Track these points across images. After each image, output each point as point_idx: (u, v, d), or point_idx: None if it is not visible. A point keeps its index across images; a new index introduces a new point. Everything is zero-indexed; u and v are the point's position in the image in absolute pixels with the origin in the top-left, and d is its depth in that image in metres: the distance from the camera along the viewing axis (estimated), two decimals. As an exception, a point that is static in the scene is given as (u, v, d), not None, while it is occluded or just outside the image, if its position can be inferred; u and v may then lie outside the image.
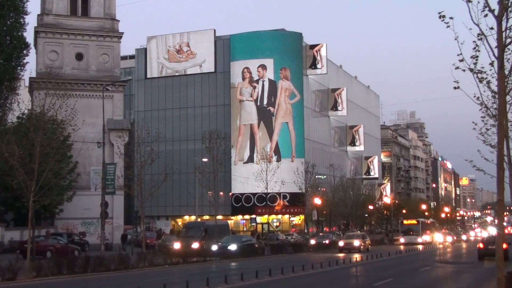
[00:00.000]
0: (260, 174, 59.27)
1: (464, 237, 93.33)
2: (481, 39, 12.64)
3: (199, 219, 67.19)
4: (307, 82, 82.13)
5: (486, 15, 12.46)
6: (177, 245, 39.63)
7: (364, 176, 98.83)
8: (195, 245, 39.88)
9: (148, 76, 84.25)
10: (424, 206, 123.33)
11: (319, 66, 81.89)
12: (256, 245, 44.58)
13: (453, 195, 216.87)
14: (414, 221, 73.29)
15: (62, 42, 57.05)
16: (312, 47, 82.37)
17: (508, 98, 13.20)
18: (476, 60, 12.77)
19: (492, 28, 12.59)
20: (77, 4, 58.39)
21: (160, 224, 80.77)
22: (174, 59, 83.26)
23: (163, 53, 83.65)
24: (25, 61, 50.32)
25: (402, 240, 68.36)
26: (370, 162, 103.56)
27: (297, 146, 77.61)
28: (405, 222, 73.77)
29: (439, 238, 78.60)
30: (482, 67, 12.89)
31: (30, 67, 75.55)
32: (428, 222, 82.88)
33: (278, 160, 74.06)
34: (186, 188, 73.49)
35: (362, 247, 48.43)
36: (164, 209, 79.86)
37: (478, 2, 12.39)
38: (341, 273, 28.04)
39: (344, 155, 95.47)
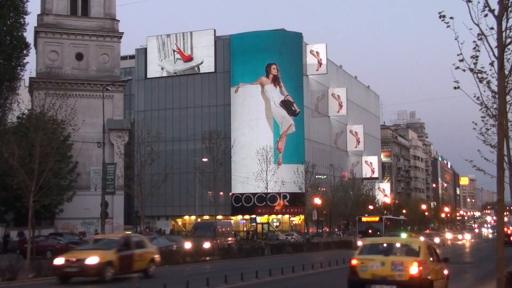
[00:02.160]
0: (260, 174, 59.31)
1: (437, 239, 66.18)
2: (481, 39, 12.63)
3: (199, 219, 67.18)
4: (307, 82, 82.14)
5: (486, 15, 12.46)
6: (188, 245, 39.76)
7: (364, 177, 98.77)
8: (207, 245, 40.01)
9: (148, 76, 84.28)
10: (424, 206, 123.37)
11: (319, 66, 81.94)
12: None
13: (453, 195, 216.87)
14: (375, 218, 60.18)
15: (62, 42, 57.06)
16: (312, 47, 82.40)
17: (508, 98, 13.19)
18: (476, 60, 12.76)
19: (492, 28, 12.59)
20: (77, 4, 58.40)
21: (160, 224, 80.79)
22: (174, 59, 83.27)
23: (163, 53, 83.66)
24: (25, 61, 50.31)
25: (359, 243, 52.53)
26: (367, 162, 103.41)
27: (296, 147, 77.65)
28: (363, 219, 59.68)
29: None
30: (482, 67, 12.90)
31: (30, 67, 75.57)
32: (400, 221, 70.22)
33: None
34: (186, 188, 73.51)
35: (111, 270, 21.73)
36: (164, 209, 79.86)
37: (478, 2, 12.40)
38: None
39: (344, 155, 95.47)
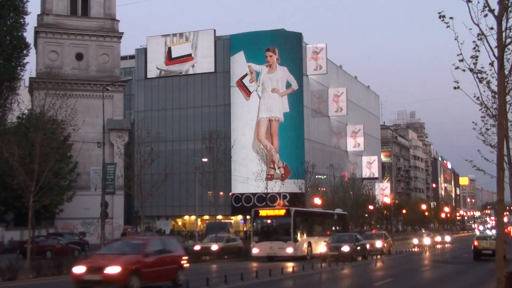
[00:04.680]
0: (260, 174, 59.35)
1: (378, 243, 44.19)
2: (481, 39, 12.64)
3: (199, 220, 67.16)
4: (307, 82, 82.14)
5: (486, 15, 12.46)
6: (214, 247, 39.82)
7: (364, 177, 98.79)
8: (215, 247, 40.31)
9: (148, 76, 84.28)
10: (424, 206, 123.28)
11: (319, 66, 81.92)
12: None
13: (453, 195, 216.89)
14: (279, 212, 37.60)
15: (62, 42, 57.11)
16: (312, 47, 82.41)
17: (508, 98, 13.21)
18: (476, 60, 12.77)
19: (492, 28, 12.60)
20: (77, 4, 58.45)
21: (160, 224, 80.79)
22: (174, 59, 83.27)
23: (163, 53, 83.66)
24: (25, 61, 50.46)
25: (255, 250, 36.10)
26: (368, 163, 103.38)
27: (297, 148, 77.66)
28: (262, 212, 38.09)
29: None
30: (482, 67, 12.90)
31: (30, 67, 75.64)
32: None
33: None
34: (186, 188, 73.50)
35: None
36: (164, 209, 79.85)
37: (478, 2, 12.40)
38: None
39: (344, 155, 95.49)
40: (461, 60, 12.74)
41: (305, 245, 37.12)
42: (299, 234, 36.71)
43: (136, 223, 63.95)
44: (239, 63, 79.56)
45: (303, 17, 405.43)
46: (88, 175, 54.63)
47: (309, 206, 63.20)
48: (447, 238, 73.29)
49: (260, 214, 37.71)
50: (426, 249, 52.03)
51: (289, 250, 35.09)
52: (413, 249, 53.47)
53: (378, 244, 42.74)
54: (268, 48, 78.89)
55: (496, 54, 12.54)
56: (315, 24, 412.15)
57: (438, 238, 71.03)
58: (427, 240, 59.85)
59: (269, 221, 37.58)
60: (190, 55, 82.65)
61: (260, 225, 37.59)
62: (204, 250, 37.73)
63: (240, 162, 76.29)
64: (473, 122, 14.36)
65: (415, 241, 60.30)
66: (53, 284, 23.34)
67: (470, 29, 12.55)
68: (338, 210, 51.89)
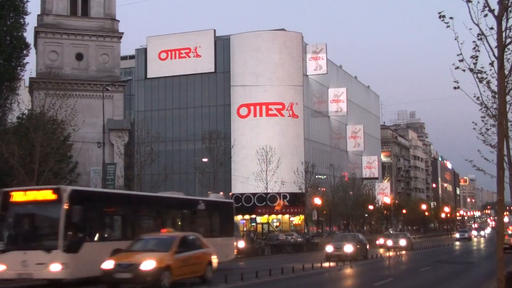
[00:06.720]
0: (260, 174, 59.40)
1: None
2: (481, 39, 12.63)
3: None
4: (307, 82, 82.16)
5: (486, 15, 12.45)
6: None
7: (364, 177, 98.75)
8: (241, 244, 40.74)
9: (148, 76, 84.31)
10: (424, 206, 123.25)
11: (319, 66, 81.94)
12: None
13: (453, 195, 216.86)
14: (44, 194, 19.92)
15: (62, 42, 57.10)
16: (312, 47, 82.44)
17: (508, 98, 13.20)
18: (476, 60, 12.75)
19: (492, 28, 12.59)
20: (77, 4, 58.45)
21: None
22: (174, 59, 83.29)
23: (163, 53, 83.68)
24: (25, 61, 50.26)
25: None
26: (369, 164, 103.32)
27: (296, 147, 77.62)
28: (15, 195, 20.31)
29: None
30: (482, 67, 12.89)
31: (30, 67, 75.47)
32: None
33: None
34: (186, 188, 73.46)
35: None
36: (164, 209, 79.75)
37: (478, 2, 12.39)
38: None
39: (344, 155, 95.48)
40: (461, 60, 12.74)
41: (97, 259, 19.03)
42: (80, 236, 20.13)
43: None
44: (239, 63, 79.57)
45: (303, 17, 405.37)
46: (88, 175, 54.59)
47: (309, 206, 63.24)
48: (402, 242, 51.55)
49: (13, 199, 20.40)
50: (343, 265, 31.78)
51: (55, 267, 18.83)
52: (325, 265, 32.00)
53: (148, 264, 18.05)
54: (268, 48, 78.96)
55: (496, 54, 12.53)
56: (315, 24, 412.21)
57: (388, 243, 51.47)
58: (348, 248, 35.65)
59: (26, 212, 20.86)
60: (190, 55, 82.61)
61: (12, 220, 20.77)
62: None
63: (240, 162, 76.26)
64: (473, 122, 14.35)
65: (329, 248, 36.19)
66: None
67: (470, 29, 12.55)
68: (215, 196, 34.24)
